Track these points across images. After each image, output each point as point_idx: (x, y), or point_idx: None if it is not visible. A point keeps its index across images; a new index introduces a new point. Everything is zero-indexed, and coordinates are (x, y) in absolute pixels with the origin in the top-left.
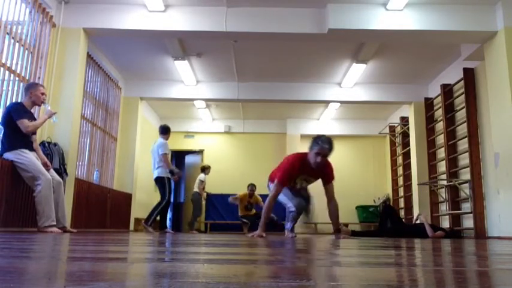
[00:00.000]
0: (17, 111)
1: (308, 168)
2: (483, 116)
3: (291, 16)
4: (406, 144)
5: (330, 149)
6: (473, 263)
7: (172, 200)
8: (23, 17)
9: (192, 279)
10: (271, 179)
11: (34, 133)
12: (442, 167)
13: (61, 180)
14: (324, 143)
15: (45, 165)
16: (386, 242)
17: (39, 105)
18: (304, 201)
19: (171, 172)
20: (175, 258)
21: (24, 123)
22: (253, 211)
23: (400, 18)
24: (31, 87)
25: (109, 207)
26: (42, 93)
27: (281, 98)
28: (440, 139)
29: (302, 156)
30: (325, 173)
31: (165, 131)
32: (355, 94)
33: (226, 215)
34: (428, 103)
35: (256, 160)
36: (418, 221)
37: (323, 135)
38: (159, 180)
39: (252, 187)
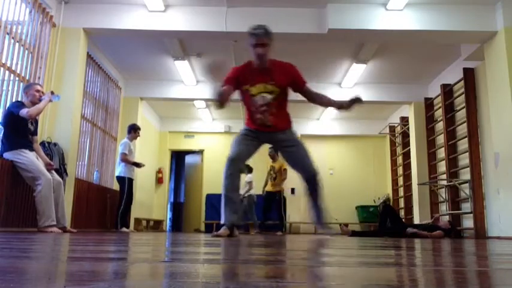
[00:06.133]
0: (16, 107)
1: (256, 69)
2: (483, 116)
3: (291, 16)
4: (406, 144)
5: (264, 32)
6: (473, 263)
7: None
8: (23, 17)
9: (192, 279)
10: None
11: (35, 133)
12: (442, 167)
13: (61, 180)
14: (253, 29)
15: (48, 165)
16: (386, 242)
17: (38, 103)
18: (245, 153)
19: (136, 164)
20: (175, 258)
21: (25, 111)
22: (275, 186)
23: (400, 18)
24: (27, 88)
25: (109, 207)
26: (37, 91)
27: None
28: (440, 139)
29: (246, 63)
30: (286, 72)
31: (128, 130)
32: (355, 94)
33: None
34: (428, 103)
35: (256, 160)
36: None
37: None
38: (119, 180)
39: (270, 149)
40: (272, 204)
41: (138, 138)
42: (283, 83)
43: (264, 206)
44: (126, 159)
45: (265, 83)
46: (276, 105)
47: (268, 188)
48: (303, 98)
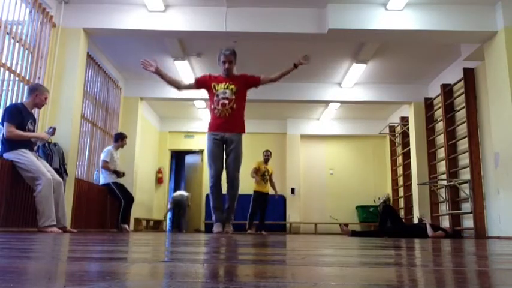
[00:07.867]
0: (11, 113)
1: (222, 77)
2: (483, 116)
3: (291, 16)
4: (406, 144)
5: (231, 52)
6: (473, 263)
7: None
8: (23, 17)
9: (192, 279)
10: None
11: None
12: (442, 167)
13: (61, 180)
14: (224, 51)
15: (50, 129)
16: (386, 242)
17: (39, 108)
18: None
19: (116, 173)
20: (175, 258)
21: (9, 128)
22: (267, 188)
23: (400, 18)
24: (37, 90)
25: (109, 207)
26: (46, 98)
27: (281, 98)
28: (440, 139)
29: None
30: (242, 78)
31: (115, 138)
32: (355, 94)
33: None
34: (428, 103)
35: (255, 160)
36: (422, 220)
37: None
38: (105, 187)
39: (267, 152)
40: (260, 204)
41: (139, 138)
42: (240, 84)
43: (255, 206)
44: (106, 167)
45: (227, 83)
46: (234, 103)
47: (260, 188)
48: (302, 98)
